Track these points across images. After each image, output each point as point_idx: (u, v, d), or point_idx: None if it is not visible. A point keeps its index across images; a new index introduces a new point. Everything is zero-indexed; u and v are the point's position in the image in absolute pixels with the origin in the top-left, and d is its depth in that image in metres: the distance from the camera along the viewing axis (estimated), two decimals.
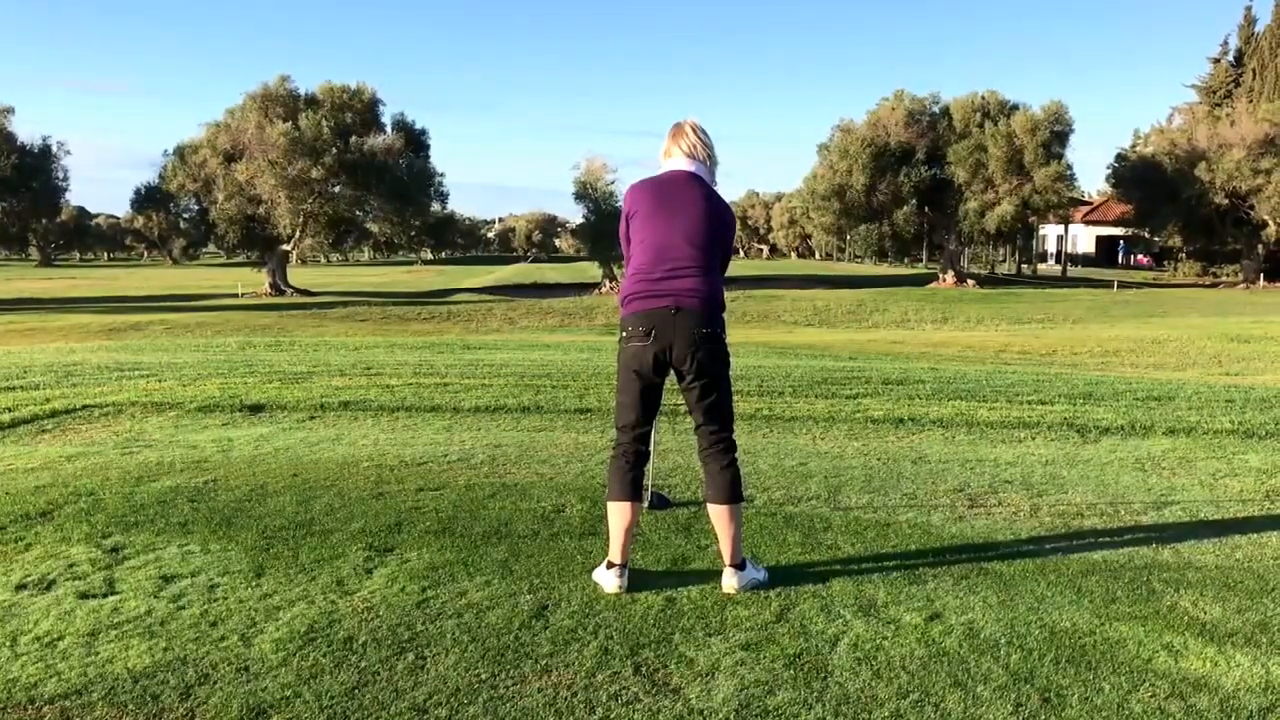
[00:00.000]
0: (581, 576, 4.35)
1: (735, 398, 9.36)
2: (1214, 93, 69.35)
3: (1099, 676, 3.43)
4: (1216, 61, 72.40)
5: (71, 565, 4.47)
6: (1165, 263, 69.96)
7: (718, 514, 4.25)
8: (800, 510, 5.54)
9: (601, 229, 52.50)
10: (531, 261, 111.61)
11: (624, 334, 4.23)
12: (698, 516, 5.25)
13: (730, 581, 4.21)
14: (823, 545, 4.89)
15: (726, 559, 4.26)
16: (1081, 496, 5.98)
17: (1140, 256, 75.46)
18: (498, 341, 20.84)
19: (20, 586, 4.20)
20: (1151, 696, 3.29)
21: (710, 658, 3.55)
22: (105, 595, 4.10)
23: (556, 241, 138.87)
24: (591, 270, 58.40)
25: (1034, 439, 7.93)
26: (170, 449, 7.13)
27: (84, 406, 8.79)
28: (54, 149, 52.61)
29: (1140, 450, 7.49)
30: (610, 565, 4.24)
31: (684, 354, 4.13)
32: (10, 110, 49.70)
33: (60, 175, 53.62)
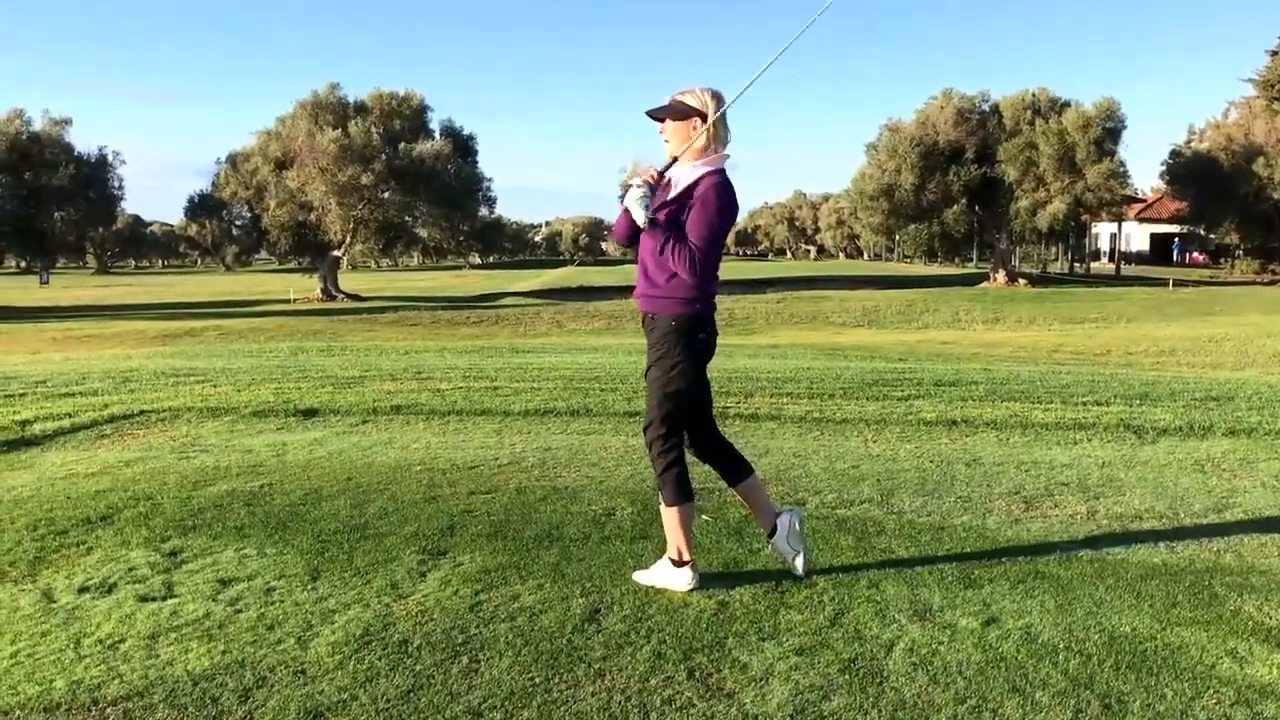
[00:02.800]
0: (633, 580, 4.34)
1: (785, 400, 9.28)
2: (1272, 86, 67.76)
3: (1160, 683, 3.37)
4: (1275, 54, 70.78)
5: (131, 569, 4.54)
6: (1222, 260, 68.72)
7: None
8: (853, 514, 5.50)
9: None
10: (578, 265, 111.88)
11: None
12: (749, 520, 5.23)
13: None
14: (876, 549, 4.85)
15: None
16: (1140, 499, 5.89)
17: (1196, 254, 74.23)
18: (546, 345, 20.93)
19: (83, 589, 4.27)
20: (1216, 704, 3.23)
21: (764, 662, 3.53)
22: (165, 598, 4.17)
23: (603, 244, 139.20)
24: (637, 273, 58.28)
25: (1090, 440, 7.82)
26: (226, 453, 7.23)
27: (141, 412, 8.93)
28: (110, 158, 53.48)
29: (1199, 451, 7.36)
30: (686, 562, 4.25)
31: None
32: (68, 121, 50.61)
33: (116, 184, 54.45)
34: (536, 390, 10.16)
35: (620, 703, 3.23)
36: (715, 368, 4.43)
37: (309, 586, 4.30)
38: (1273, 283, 55.13)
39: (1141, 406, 9.36)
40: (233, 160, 50.84)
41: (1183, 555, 4.81)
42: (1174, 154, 55.82)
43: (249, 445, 7.55)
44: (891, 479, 6.34)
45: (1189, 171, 53.87)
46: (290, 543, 4.92)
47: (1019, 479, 6.39)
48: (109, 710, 3.18)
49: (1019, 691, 3.31)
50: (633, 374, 11.68)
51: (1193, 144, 57.46)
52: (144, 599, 4.15)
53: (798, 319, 37.16)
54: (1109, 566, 4.60)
